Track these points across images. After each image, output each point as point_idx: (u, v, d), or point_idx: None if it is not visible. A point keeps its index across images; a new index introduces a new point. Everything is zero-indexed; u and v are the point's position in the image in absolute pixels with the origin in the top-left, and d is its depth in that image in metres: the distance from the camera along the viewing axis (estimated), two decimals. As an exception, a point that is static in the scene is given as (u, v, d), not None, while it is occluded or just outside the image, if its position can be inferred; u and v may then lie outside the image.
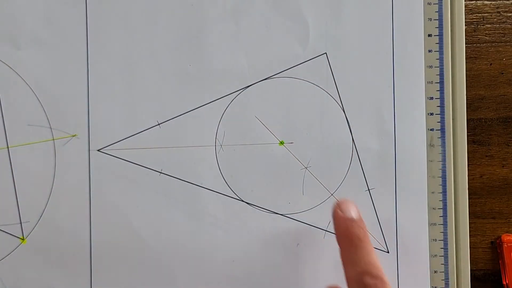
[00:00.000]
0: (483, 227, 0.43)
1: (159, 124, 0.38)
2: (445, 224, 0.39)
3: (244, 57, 0.38)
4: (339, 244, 0.33)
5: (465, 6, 0.41)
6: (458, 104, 0.39)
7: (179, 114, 0.38)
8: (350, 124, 0.39)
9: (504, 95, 0.42)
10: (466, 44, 0.40)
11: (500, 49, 0.42)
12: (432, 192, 0.39)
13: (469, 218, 0.40)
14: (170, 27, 0.38)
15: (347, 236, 0.33)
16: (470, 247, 0.40)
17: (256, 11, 0.38)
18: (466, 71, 0.40)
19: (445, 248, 0.39)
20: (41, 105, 0.38)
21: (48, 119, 0.38)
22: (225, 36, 0.38)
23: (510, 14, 0.42)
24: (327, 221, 0.39)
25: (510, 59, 0.42)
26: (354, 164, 0.39)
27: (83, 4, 0.38)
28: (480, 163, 0.42)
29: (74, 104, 0.38)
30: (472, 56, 0.42)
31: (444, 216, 0.39)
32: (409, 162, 0.39)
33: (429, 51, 0.39)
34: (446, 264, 0.40)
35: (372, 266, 0.31)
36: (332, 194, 0.39)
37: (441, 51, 0.39)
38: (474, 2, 0.42)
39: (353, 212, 0.33)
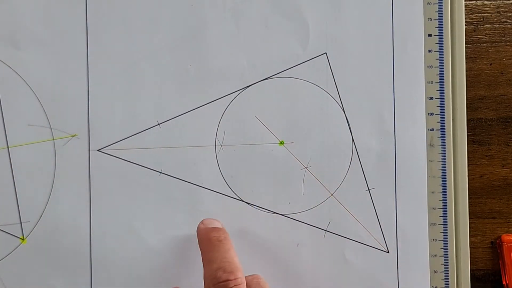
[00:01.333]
0: (483, 227, 0.43)
1: (159, 124, 0.38)
2: (445, 224, 0.40)
3: (244, 57, 0.39)
4: (200, 249, 0.35)
5: (465, 6, 0.41)
6: (458, 104, 0.39)
7: (179, 114, 0.38)
8: (350, 124, 0.39)
9: (504, 95, 0.42)
10: (466, 44, 0.40)
11: (500, 49, 0.42)
12: (432, 192, 0.39)
13: (469, 218, 0.40)
14: (170, 27, 0.38)
15: (207, 239, 0.35)
16: (470, 247, 0.40)
17: (256, 11, 0.39)
18: (466, 71, 0.40)
19: (445, 248, 0.40)
20: (41, 105, 0.38)
21: (48, 119, 0.38)
22: (225, 36, 0.39)
23: (510, 14, 0.42)
24: (327, 221, 0.39)
25: (510, 59, 0.42)
26: (354, 164, 0.39)
27: (83, 4, 0.38)
28: (480, 163, 0.42)
29: (74, 104, 0.38)
30: (472, 56, 0.42)
31: (444, 216, 0.40)
32: (409, 162, 0.39)
33: (429, 51, 0.39)
34: (446, 264, 0.40)
35: (227, 262, 0.33)
36: (332, 194, 0.39)
37: (441, 51, 0.39)
38: (474, 2, 0.42)
39: (216, 223, 0.37)
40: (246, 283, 0.33)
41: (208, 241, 0.35)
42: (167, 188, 0.38)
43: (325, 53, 0.39)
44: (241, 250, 0.37)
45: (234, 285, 0.32)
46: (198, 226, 0.37)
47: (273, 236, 0.39)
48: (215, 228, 0.36)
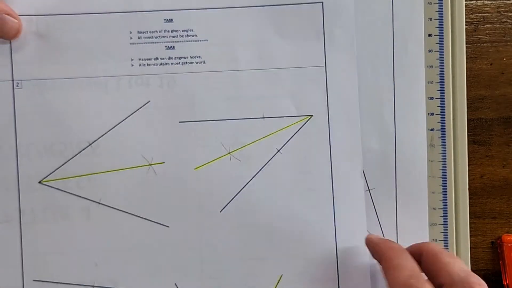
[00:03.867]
0: (484, 227, 0.43)
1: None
2: (445, 224, 0.40)
3: None
4: (382, 257, 0.35)
5: (466, 6, 0.41)
6: (459, 104, 0.40)
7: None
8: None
9: (504, 95, 0.43)
10: (466, 44, 0.40)
11: (501, 49, 0.42)
12: (433, 192, 0.40)
13: (469, 218, 0.40)
14: None
15: (389, 247, 0.35)
16: (470, 247, 0.40)
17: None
18: (466, 71, 0.40)
19: (446, 248, 0.40)
20: None
21: None
22: None
23: (511, 14, 0.42)
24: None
25: (511, 59, 0.42)
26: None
27: None
28: (481, 163, 0.43)
29: None
30: (472, 56, 0.42)
31: (445, 216, 0.40)
32: (410, 162, 0.39)
33: (430, 51, 0.39)
34: (446, 264, 0.40)
35: (416, 271, 0.33)
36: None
37: (441, 51, 0.39)
38: (474, 2, 0.42)
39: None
40: None
41: (391, 248, 0.35)
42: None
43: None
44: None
45: None
46: (369, 239, 0.37)
47: None
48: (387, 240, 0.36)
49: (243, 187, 0.38)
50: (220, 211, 0.38)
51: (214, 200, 0.38)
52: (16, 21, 0.36)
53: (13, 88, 0.37)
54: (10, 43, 0.37)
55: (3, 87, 0.37)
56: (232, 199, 0.38)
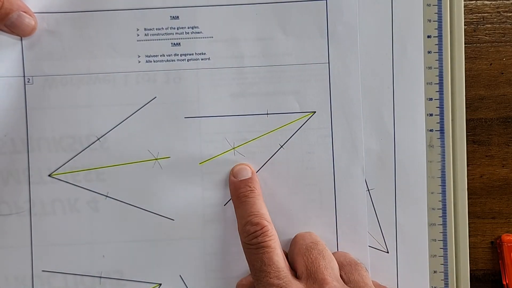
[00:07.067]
0: (483, 227, 0.43)
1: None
2: (444, 224, 0.40)
3: None
4: (233, 204, 0.39)
5: (465, 6, 0.41)
6: (457, 105, 0.40)
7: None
8: (350, 125, 0.40)
9: (504, 95, 0.43)
10: (466, 44, 0.41)
11: (500, 49, 0.43)
12: (432, 193, 0.40)
13: (469, 218, 0.41)
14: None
15: (235, 196, 0.38)
16: (470, 247, 0.41)
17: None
18: (466, 71, 0.41)
19: (445, 248, 0.41)
20: None
21: None
22: None
23: (510, 14, 0.43)
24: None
25: (510, 59, 0.43)
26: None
27: None
28: (480, 163, 0.43)
29: None
30: (472, 56, 0.43)
31: (444, 216, 0.40)
32: (409, 162, 0.40)
33: (429, 52, 0.40)
34: (445, 264, 0.41)
35: (253, 215, 0.36)
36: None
37: (440, 52, 0.40)
38: (474, 2, 0.43)
39: (245, 173, 0.39)
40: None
41: (237, 198, 0.38)
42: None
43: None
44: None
45: (262, 234, 0.35)
46: (229, 178, 0.39)
47: None
48: (242, 182, 0.38)
49: None
50: (224, 205, 0.40)
51: (218, 194, 0.40)
52: (32, 18, 0.38)
53: (25, 84, 0.39)
54: (21, 40, 0.39)
55: (15, 83, 0.39)
56: None
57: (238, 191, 0.38)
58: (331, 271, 0.35)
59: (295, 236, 0.39)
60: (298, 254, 0.36)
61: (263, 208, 0.37)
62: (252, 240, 0.35)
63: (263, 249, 0.35)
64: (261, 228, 0.36)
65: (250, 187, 0.38)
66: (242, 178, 0.38)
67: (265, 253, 0.35)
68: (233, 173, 0.39)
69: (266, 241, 0.35)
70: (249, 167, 0.39)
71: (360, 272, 0.36)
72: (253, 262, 0.35)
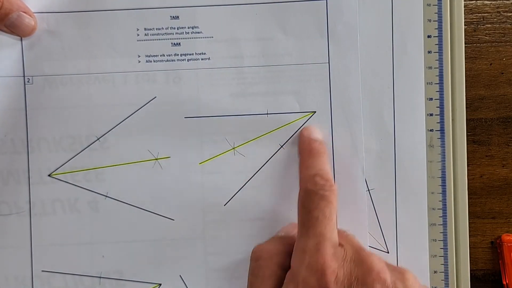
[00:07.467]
0: (483, 227, 0.44)
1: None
2: (444, 224, 0.41)
3: None
4: (300, 156, 0.39)
5: (465, 6, 0.42)
6: (458, 105, 0.40)
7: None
8: (350, 125, 0.40)
9: (504, 95, 0.43)
10: (466, 44, 0.41)
11: (500, 49, 0.43)
12: (432, 193, 0.40)
13: (469, 218, 0.41)
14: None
15: (308, 149, 0.39)
16: (470, 247, 0.41)
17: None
18: (466, 71, 0.41)
19: (445, 248, 0.41)
20: None
21: None
22: None
23: (510, 14, 0.43)
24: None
25: (510, 59, 0.43)
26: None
27: None
28: (480, 163, 0.43)
29: None
30: (472, 56, 0.43)
31: (444, 216, 0.41)
32: (409, 162, 0.40)
33: (429, 52, 0.40)
34: (445, 264, 0.41)
35: (324, 171, 0.37)
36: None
37: (440, 52, 0.40)
38: (474, 2, 0.43)
39: (317, 135, 0.39)
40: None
41: (309, 151, 0.38)
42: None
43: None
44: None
45: (330, 189, 0.35)
46: (301, 132, 0.40)
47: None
48: (317, 140, 0.39)
49: (246, 182, 0.40)
50: (224, 205, 0.40)
51: (218, 194, 0.40)
52: (32, 18, 0.38)
53: (25, 84, 0.39)
54: (21, 40, 0.39)
55: (15, 83, 0.39)
56: (236, 193, 0.40)
57: (312, 145, 0.38)
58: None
59: None
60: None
61: (331, 172, 0.38)
62: (320, 190, 0.35)
63: (327, 203, 0.34)
64: (331, 186, 0.35)
65: (324, 148, 0.39)
66: (315, 137, 0.39)
67: (328, 206, 0.34)
68: (305, 130, 0.39)
69: (332, 197, 0.35)
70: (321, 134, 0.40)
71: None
72: (312, 210, 0.34)
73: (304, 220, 0.34)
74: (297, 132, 0.40)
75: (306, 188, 0.36)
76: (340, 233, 0.35)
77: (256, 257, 0.35)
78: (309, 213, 0.34)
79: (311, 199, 0.35)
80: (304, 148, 0.39)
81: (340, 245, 0.33)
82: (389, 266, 0.33)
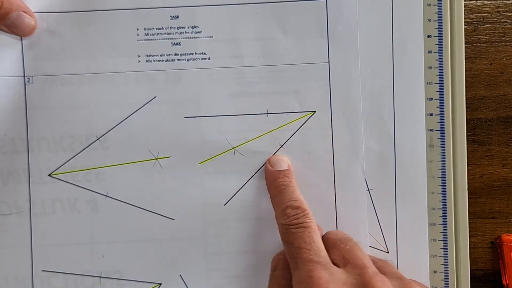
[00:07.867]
0: (483, 227, 0.44)
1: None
2: (444, 224, 0.41)
3: None
4: (269, 192, 0.39)
5: (465, 6, 0.42)
6: (458, 105, 0.40)
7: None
8: (350, 125, 0.40)
9: (504, 95, 0.43)
10: (466, 44, 0.41)
11: (500, 49, 0.43)
12: (432, 193, 0.40)
13: (469, 218, 0.41)
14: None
15: (274, 185, 0.39)
16: (470, 247, 0.41)
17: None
18: (466, 71, 0.41)
19: (445, 248, 0.41)
20: None
21: None
22: None
23: (510, 14, 0.43)
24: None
25: (510, 59, 0.43)
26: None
27: None
28: (480, 163, 0.43)
29: None
30: (472, 56, 0.43)
31: (444, 216, 0.41)
32: (409, 162, 0.40)
33: (429, 52, 0.40)
34: (446, 264, 0.41)
35: (293, 201, 0.37)
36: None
37: (440, 52, 0.40)
38: (474, 2, 0.43)
39: (282, 164, 0.39)
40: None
41: (275, 187, 0.38)
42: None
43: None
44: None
45: (303, 215, 0.36)
46: (265, 167, 0.40)
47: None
48: (280, 172, 0.39)
49: (246, 181, 0.40)
50: (224, 205, 0.40)
51: (218, 194, 0.40)
52: (32, 18, 0.38)
53: (25, 84, 0.39)
54: (21, 40, 0.39)
55: (15, 83, 0.39)
56: (236, 193, 0.40)
57: (277, 181, 0.39)
58: (368, 259, 0.35)
59: (326, 233, 0.39)
60: (333, 247, 0.36)
61: (302, 197, 0.38)
62: (293, 221, 0.36)
63: (304, 229, 0.35)
64: (303, 211, 0.36)
65: (288, 177, 0.39)
66: (279, 169, 0.39)
67: (306, 232, 0.35)
68: (270, 163, 0.39)
69: (307, 222, 0.36)
70: (286, 159, 0.40)
71: (391, 268, 0.37)
72: (292, 241, 0.35)
73: (290, 254, 0.35)
74: (297, 132, 0.40)
75: (281, 224, 0.37)
76: (382, 262, 0.36)
77: (273, 267, 0.37)
78: (291, 245, 0.35)
79: (288, 232, 0.36)
80: (270, 184, 0.39)
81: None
82: None
